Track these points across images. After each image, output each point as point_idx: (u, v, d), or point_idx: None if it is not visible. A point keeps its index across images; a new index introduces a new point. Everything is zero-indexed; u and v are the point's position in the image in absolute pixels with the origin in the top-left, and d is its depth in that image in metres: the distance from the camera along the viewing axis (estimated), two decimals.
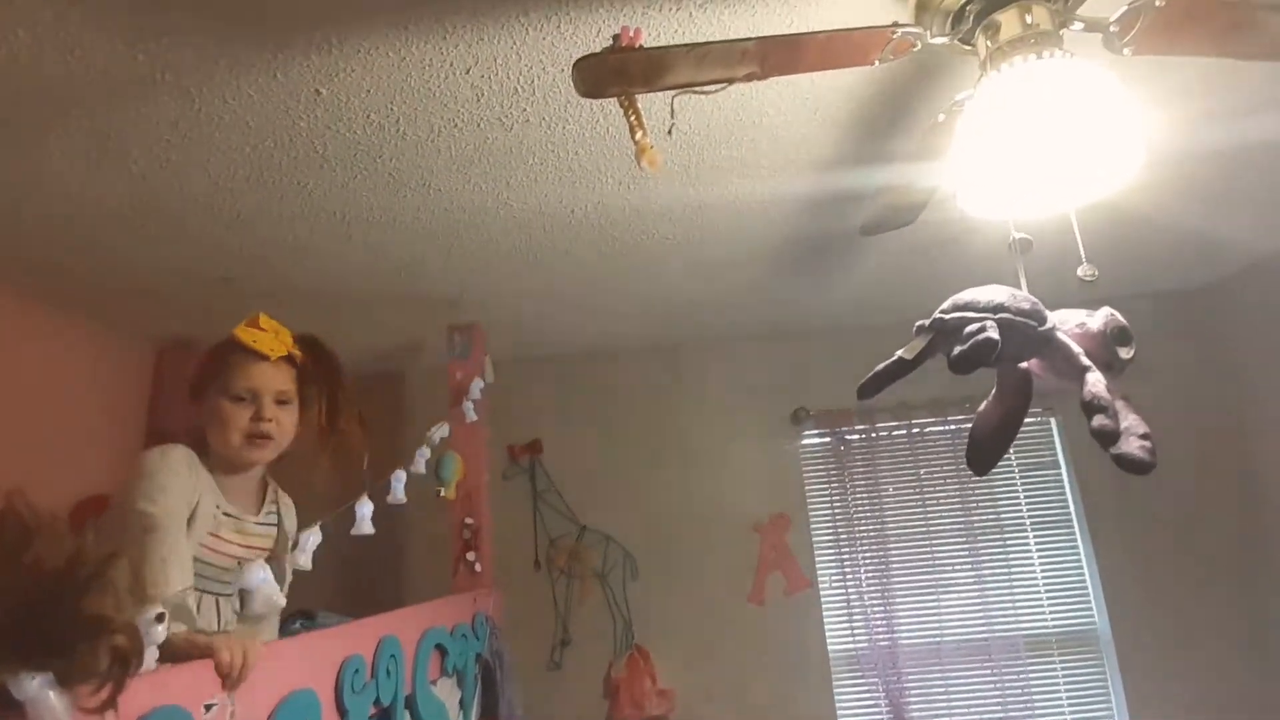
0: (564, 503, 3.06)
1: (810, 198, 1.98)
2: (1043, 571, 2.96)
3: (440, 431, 2.00)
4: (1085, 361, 1.10)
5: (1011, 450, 1.27)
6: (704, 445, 3.11)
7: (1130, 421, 1.03)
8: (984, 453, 1.25)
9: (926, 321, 1.16)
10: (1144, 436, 1.02)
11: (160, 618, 0.68)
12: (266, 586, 1.01)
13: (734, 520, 3.02)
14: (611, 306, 2.74)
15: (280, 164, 1.65)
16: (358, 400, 1.50)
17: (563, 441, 3.12)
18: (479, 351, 2.66)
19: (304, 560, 1.20)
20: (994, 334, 1.04)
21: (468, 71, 1.41)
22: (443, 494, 2.17)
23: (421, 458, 1.86)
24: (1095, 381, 1.06)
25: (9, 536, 0.65)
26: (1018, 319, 1.10)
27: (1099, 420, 1.02)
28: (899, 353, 1.13)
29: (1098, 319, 1.18)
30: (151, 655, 0.68)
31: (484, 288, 2.44)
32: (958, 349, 1.05)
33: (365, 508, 1.49)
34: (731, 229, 2.17)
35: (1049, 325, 1.14)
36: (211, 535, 1.33)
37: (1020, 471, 3.05)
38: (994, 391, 1.27)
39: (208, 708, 0.85)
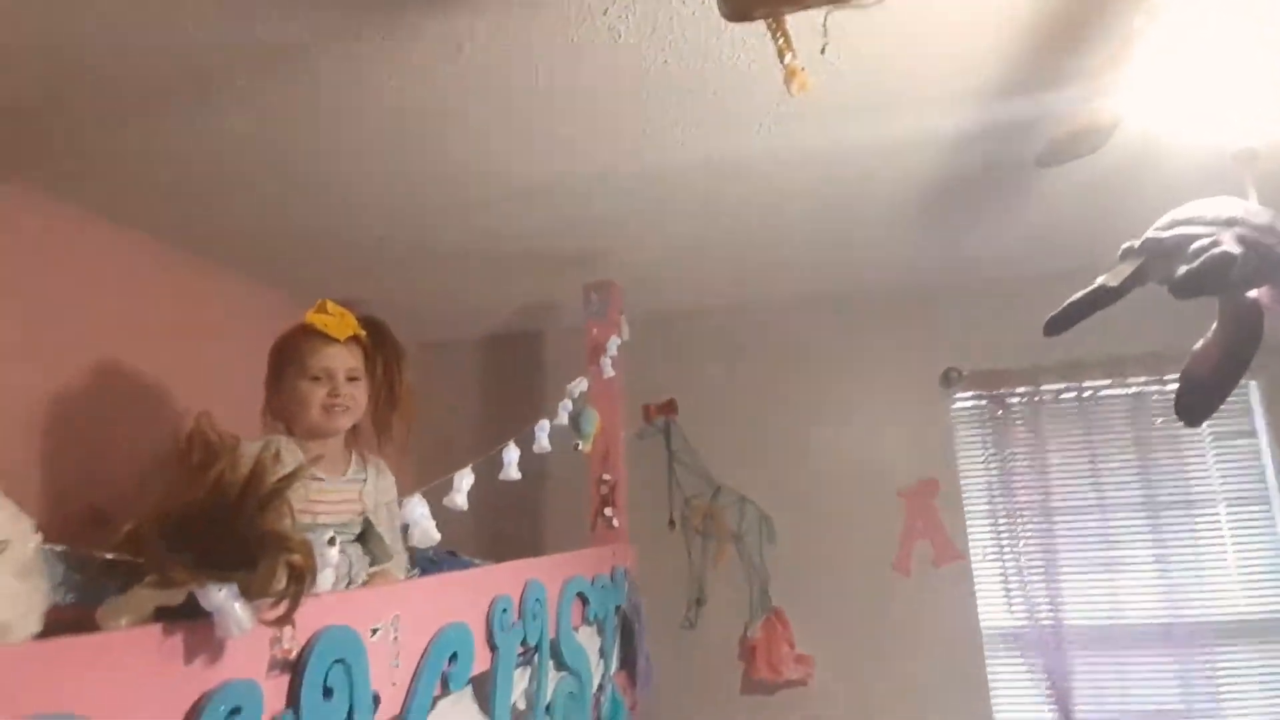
0: (699, 462, 3.04)
1: (974, 129, 1.79)
2: (1236, 552, 2.64)
3: (579, 386, 2.01)
4: None
5: None
6: (845, 405, 2.98)
7: None
8: (1199, 399, 1.05)
9: (1136, 243, 0.99)
10: None
11: (332, 541, 0.70)
12: (425, 521, 1.05)
13: (877, 484, 2.88)
14: (750, 261, 2.65)
15: (425, 124, 1.69)
16: (413, 375, 1.72)
17: (698, 401, 3.08)
18: (615, 309, 2.66)
19: (460, 500, 1.27)
20: (1233, 248, 0.86)
21: (605, 12, 1.37)
22: (581, 448, 2.20)
23: (564, 410, 1.89)
24: None
25: (198, 455, 0.69)
26: (1255, 234, 0.92)
27: None
28: (1101, 279, 0.97)
29: None
30: (326, 577, 0.70)
31: (620, 244, 2.42)
32: (1184, 267, 0.88)
33: (512, 454, 1.55)
34: (883, 170, 2.02)
35: None
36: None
37: (1211, 440, 2.71)
38: (1214, 326, 1.07)
39: (374, 631, 0.89)
